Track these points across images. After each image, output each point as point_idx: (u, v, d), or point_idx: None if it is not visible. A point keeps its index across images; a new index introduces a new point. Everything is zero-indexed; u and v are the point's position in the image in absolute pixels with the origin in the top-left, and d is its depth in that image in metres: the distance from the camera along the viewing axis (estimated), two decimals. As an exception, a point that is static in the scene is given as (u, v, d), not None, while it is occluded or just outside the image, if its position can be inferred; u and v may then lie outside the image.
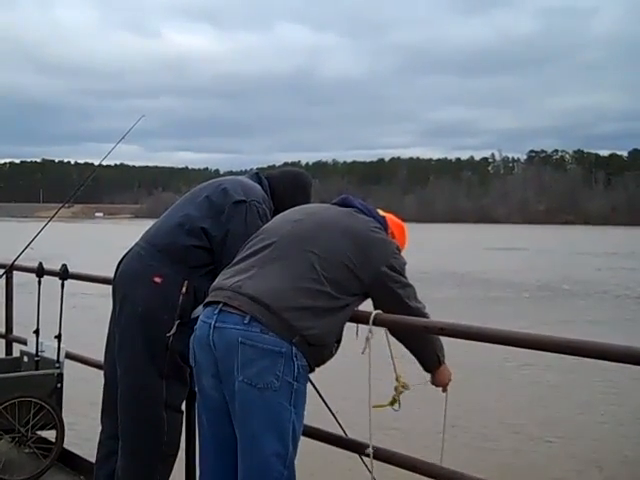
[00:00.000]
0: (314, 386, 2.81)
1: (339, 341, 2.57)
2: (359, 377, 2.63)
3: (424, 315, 2.62)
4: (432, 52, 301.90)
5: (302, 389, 2.44)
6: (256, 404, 2.38)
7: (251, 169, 3.21)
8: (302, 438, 3.01)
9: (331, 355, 2.56)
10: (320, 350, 2.47)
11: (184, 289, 2.89)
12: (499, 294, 21.89)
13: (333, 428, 2.91)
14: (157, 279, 2.92)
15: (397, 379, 2.70)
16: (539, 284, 24.61)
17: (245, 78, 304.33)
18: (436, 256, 34.74)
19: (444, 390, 2.82)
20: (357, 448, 2.70)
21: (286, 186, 3.13)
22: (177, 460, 3.10)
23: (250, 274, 2.49)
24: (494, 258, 36.34)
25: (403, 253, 2.74)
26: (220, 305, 2.45)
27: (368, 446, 2.59)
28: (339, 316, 2.50)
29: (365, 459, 2.63)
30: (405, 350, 2.69)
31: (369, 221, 2.66)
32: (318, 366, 2.54)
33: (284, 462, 2.41)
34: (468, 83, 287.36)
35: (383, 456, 2.64)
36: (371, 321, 2.51)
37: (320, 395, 2.94)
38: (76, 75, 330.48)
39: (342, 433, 2.87)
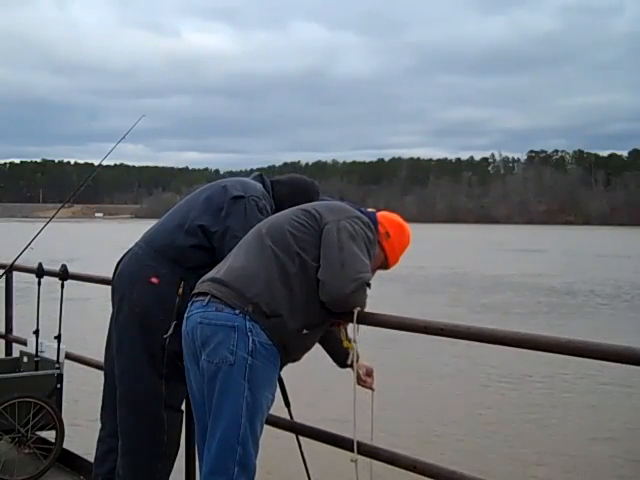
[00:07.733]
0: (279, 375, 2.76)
1: (309, 327, 2.52)
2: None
3: (352, 293, 2.46)
4: (448, 51, 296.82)
5: (259, 366, 2.42)
6: (214, 380, 2.42)
7: (251, 169, 3.20)
8: (302, 439, 3.02)
9: (300, 341, 2.53)
10: (280, 325, 2.45)
11: (180, 290, 2.89)
12: (561, 301, 20.76)
13: (332, 428, 2.91)
14: (154, 279, 2.92)
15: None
16: (598, 289, 23.46)
17: (258, 77, 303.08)
18: (464, 259, 34.10)
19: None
20: (351, 446, 2.68)
21: (288, 191, 3.10)
22: (177, 459, 3.10)
23: (217, 267, 2.62)
24: (522, 260, 35.42)
25: (406, 252, 2.73)
26: (193, 298, 2.58)
27: (364, 444, 2.59)
28: (296, 284, 2.48)
29: (364, 458, 2.63)
30: (396, 350, 2.66)
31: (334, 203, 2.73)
32: (288, 349, 2.50)
33: (237, 439, 2.40)
34: (481, 83, 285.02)
35: (383, 456, 2.65)
36: (355, 319, 2.49)
37: (282, 385, 2.95)
38: (89, 74, 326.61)
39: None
